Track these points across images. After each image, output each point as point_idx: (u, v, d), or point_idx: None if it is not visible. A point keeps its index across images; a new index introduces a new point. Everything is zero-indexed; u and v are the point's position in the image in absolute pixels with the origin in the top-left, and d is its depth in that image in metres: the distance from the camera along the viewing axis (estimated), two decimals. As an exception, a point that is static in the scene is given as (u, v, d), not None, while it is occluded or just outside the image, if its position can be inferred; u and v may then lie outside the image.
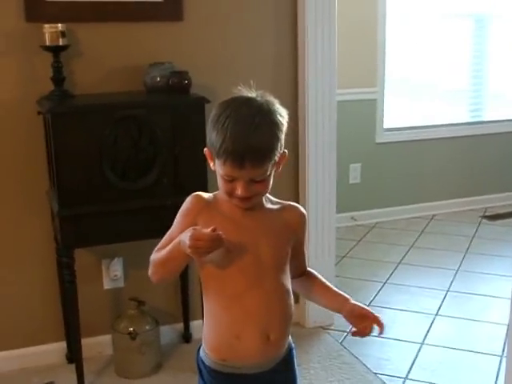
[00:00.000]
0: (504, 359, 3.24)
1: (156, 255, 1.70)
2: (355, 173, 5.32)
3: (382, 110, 5.32)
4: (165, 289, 3.38)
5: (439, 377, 3.12)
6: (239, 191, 1.61)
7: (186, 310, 3.38)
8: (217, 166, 1.63)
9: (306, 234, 1.86)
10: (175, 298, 3.39)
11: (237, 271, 1.66)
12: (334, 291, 1.85)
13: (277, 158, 1.63)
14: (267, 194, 1.74)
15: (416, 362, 3.25)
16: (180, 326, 3.43)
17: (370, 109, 5.27)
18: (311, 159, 3.47)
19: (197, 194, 1.72)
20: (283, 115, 1.65)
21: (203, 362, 1.76)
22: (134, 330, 3.07)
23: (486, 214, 5.62)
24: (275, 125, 1.61)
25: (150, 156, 2.82)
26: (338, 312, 1.83)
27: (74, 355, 3.06)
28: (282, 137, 1.63)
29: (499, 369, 3.18)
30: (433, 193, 5.60)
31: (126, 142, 2.78)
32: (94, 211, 2.76)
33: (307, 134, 3.43)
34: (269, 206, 1.75)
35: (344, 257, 4.65)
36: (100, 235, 2.82)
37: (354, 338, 1.82)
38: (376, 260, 4.62)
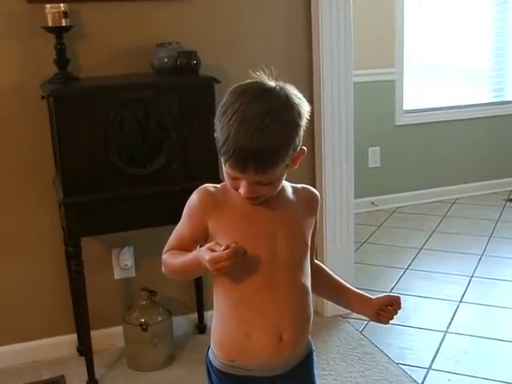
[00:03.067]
0: (532, 347, 3.13)
1: (169, 259, 1.61)
2: (375, 156, 5.18)
3: (402, 91, 5.16)
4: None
5: (464, 367, 2.98)
6: (242, 191, 1.48)
7: (200, 300, 3.28)
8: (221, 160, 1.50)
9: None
10: (188, 288, 3.28)
11: (248, 271, 1.52)
12: (353, 290, 1.75)
13: (288, 161, 1.47)
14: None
15: (440, 352, 3.12)
16: (194, 316, 3.33)
17: (389, 90, 5.13)
18: (327, 143, 3.34)
19: (203, 190, 1.57)
20: (303, 112, 1.47)
21: (211, 364, 1.65)
22: (145, 321, 2.98)
23: (511, 197, 5.45)
24: (289, 126, 1.43)
25: (158, 140, 2.71)
26: (362, 312, 1.73)
27: (83, 348, 2.97)
28: (298, 137, 1.46)
29: (528, 358, 3.06)
30: (455, 176, 5.44)
31: (132, 126, 2.67)
32: (100, 199, 2.65)
33: (323, 116, 3.29)
34: (285, 190, 1.61)
35: (364, 243, 4.53)
36: (107, 223, 2.71)
37: (375, 326, 1.73)
38: (397, 246, 4.49)
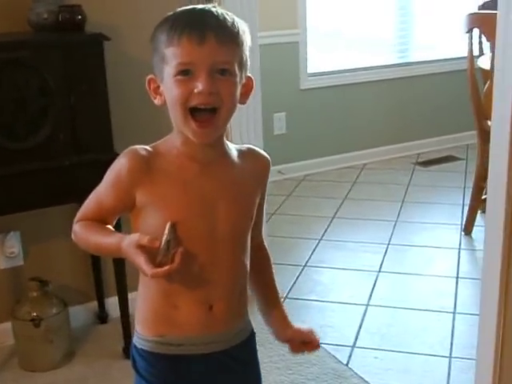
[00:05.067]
0: (457, 315, 3.01)
1: (83, 233, 1.39)
2: (280, 123, 4.94)
3: (305, 54, 4.92)
4: (72, 265, 2.95)
5: (390, 341, 2.82)
6: (200, 86, 1.26)
7: (100, 287, 2.97)
8: (167, 72, 1.29)
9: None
10: (85, 274, 2.96)
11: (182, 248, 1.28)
12: (281, 306, 1.61)
13: (244, 56, 1.35)
14: (225, 140, 1.39)
15: (363, 327, 2.93)
16: (93, 304, 3.02)
17: (292, 53, 4.87)
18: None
19: (132, 153, 1.34)
20: (246, 30, 1.37)
21: (136, 348, 1.44)
22: (37, 315, 2.67)
23: (419, 160, 5.34)
24: (238, 24, 1.33)
25: (41, 108, 2.39)
26: (273, 331, 1.60)
27: (-34, 350, 2.62)
28: (246, 49, 1.36)
29: (453, 326, 2.93)
30: (363, 140, 5.27)
31: (9, 92, 2.34)
32: (-24, 177, 2.30)
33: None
34: (230, 151, 1.42)
35: (273, 214, 4.29)
36: (-15, 206, 2.36)
37: (293, 304, 1.57)
38: (308, 215, 4.28)
